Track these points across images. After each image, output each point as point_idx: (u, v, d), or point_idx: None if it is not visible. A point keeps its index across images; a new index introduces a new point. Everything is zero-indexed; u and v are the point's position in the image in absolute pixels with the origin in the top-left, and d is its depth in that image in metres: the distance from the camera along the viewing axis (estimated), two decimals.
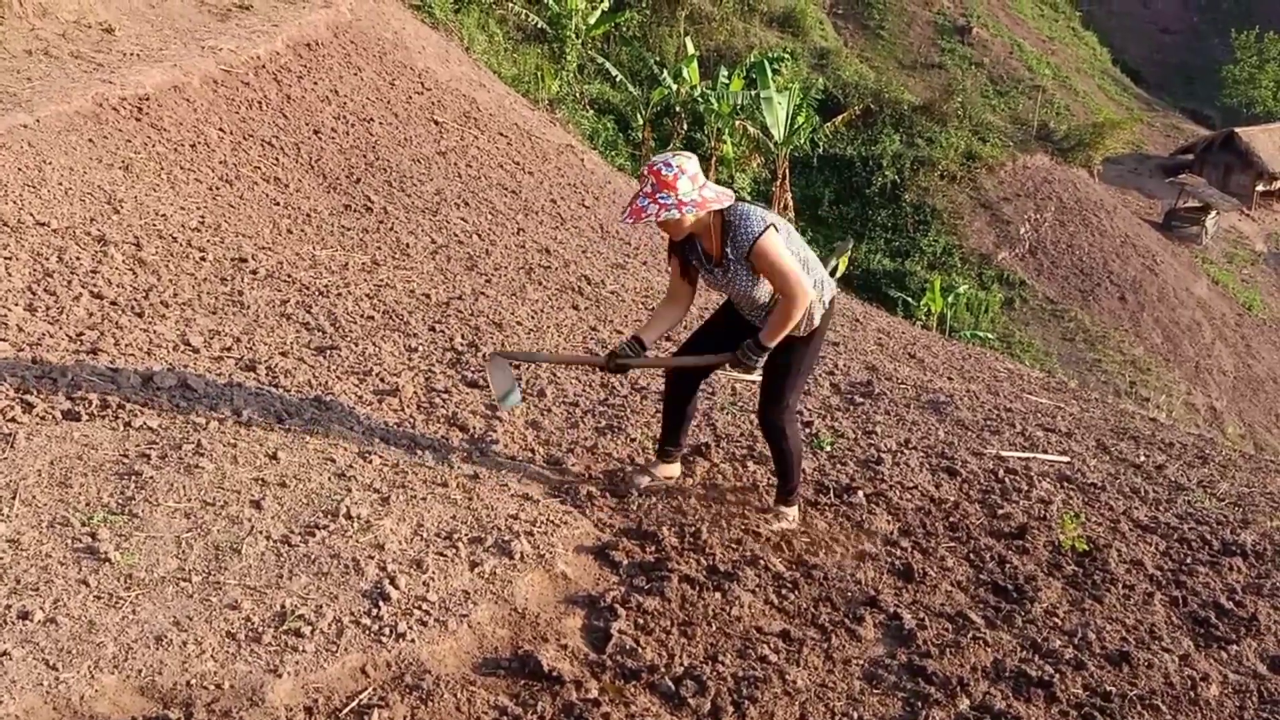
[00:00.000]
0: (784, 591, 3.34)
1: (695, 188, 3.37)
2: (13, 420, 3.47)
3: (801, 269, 3.47)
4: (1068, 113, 32.75)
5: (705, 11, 27.77)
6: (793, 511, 3.92)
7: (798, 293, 3.43)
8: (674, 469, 4.14)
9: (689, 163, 3.40)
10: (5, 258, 5.10)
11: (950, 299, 21.14)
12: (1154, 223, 30.84)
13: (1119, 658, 3.19)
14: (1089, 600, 3.60)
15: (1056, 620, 3.40)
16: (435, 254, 8.23)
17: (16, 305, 4.62)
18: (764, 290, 3.56)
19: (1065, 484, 4.89)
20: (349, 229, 8.28)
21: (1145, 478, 5.27)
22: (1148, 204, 32.62)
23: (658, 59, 22.75)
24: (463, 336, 5.89)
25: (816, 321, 3.69)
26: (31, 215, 5.78)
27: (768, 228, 3.43)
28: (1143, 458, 5.69)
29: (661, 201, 3.34)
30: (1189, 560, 4.06)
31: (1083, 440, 5.91)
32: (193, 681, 2.33)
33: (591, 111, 20.70)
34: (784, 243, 3.46)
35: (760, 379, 3.85)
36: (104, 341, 4.47)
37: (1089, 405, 7.52)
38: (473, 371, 5.23)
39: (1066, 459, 5.36)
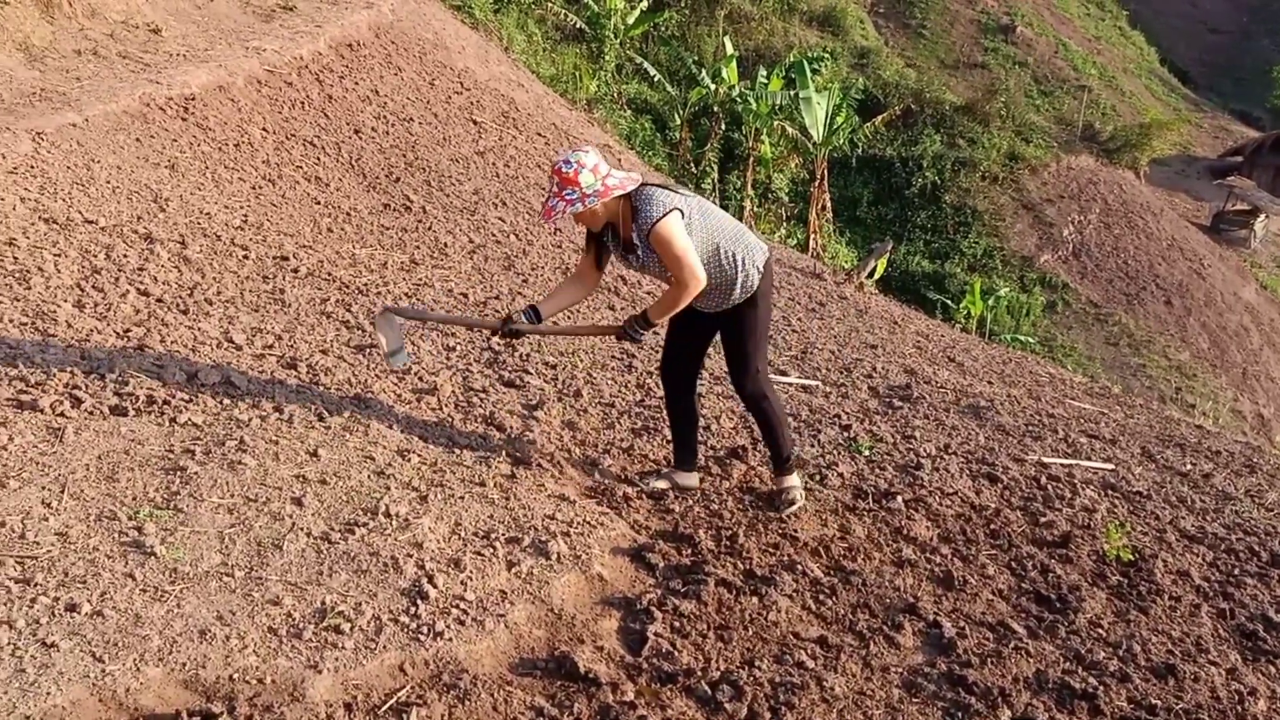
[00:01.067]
0: (821, 597, 3.32)
1: (598, 179, 3.49)
2: (62, 415, 3.53)
3: (695, 255, 3.55)
4: (1114, 113, 32.22)
5: (744, 11, 27.65)
6: (795, 479, 4.01)
7: (686, 279, 3.53)
8: (693, 479, 4.15)
9: (588, 156, 3.52)
10: (55, 255, 5.20)
11: (991, 302, 20.86)
12: (1201, 226, 30.25)
13: (1165, 670, 3.13)
14: (1134, 611, 3.54)
15: (1101, 631, 3.35)
16: (473, 253, 8.27)
17: (65, 301, 4.70)
18: (665, 271, 3.64)
19: (1110, 492, 4.81)
20: (388, 228, 8.35)
21: (1192, 486, 5.17)
22: (1195, 207, 32.02)
23: (696, 59, 22.67)
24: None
25: (755, 285, 3.76)
26: (80, 213, 5.88)
27: (669, 212, 3.51)
28: (1189, 466, 5.58)
29: (567, 198, 3.49)
30: (1237, 571, 3.98)
31: (1127, 447, 5.82)
32: (235, 676, 2.35)
33: (629, 111, 20.69)
34: (683, 226, 3.54)
35: (725, 352, 3.95)
36: (150, 338, 4.54)
37: (1133, 411, 7.40)
38: (510, 371, 5.25)
39: (1111, 466, 5.28)
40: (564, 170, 3.48)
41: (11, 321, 4.35)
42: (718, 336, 3.97)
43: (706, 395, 5.37)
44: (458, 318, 4.30)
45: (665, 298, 3.64)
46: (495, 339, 3.90)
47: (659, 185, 3.65)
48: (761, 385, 3.91)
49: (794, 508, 3.92)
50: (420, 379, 4.85)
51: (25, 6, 8.91)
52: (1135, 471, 5.28)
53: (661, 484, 4.06)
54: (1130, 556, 3.94)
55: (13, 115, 7.07)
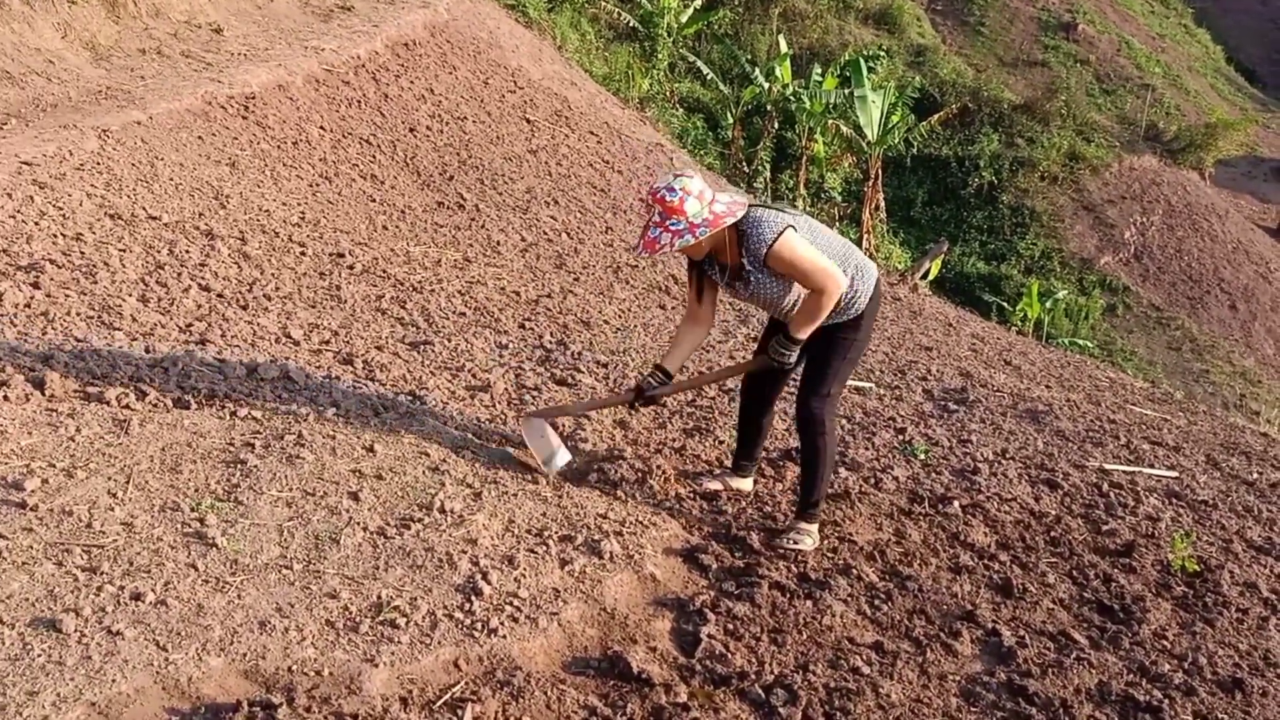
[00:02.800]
0: (877, 602, 3.27)
1: (704, 206, 3.29)
2: (127, 407, 3.60)
3: (826, 258, 3.36)
4: (1178, 113, 31.45)
5: (799, 9, 27.46)
6: (815, 530, 3.62)
7: (826, 283, 3.32)
8: (747, 484, 4.03)
9: (692, 182, 3.31)
10: (120, 250, 5.32)
11: (1048, 304, 20.50)
12: (1268, 229, 29.40)
13: (1231, 684, 3.04)
14: (1200, 623, 3.44)
15: (1165, 643, 3.26)
16: (525, 251, 8.31)
17: (130, 296, 4.80)
18: (794, 294, 3.47)
19: (1174, 500, 4.69)
20: (442, 226, 8.43)
21: (1259, 496, 5.02)
22: (1261, 209, 31.14)
23: (749, 57, 22.56)
24: (551, 334, 5.93)
25: (863, 306, 3.53)
26: (144, 209, 6.01)
27: (784, 230, 3.33)
28: (1255, 475, 5.42)
29: (673, 229, 3.28)
30: None
31: (1191, 455, 5.67)
32: (294, 667, 2.38)
33: (681, 110, 20.65)
34: (804, 238, 3.38)
35: (801, 368, 3.70)
36: (211, 333, 4.62)
37: (1197, 418, 7.21)
38: (562, 369, 5.26)
39: (1174, 474, 5.14)
40: (668, 199, 3.27)
41: (79, 315, 4.45)
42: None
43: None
44: (593, 403, 4.17)
45: (806, 309, 3.41)
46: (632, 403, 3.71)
47: (764, 205, 3.48)
48: (825, 412, 3.56)
49: (798, 548, 3.52)
50: (474, 376, 4.88)
51: (92, 6, 9.13)
52: (1200, 479, 5.14)
53: (715, 485, 3.98)
54: (1195, 567, 3.83)
55: (79, 113, 7.25)
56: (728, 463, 4.28)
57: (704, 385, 3.78)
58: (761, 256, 3.34)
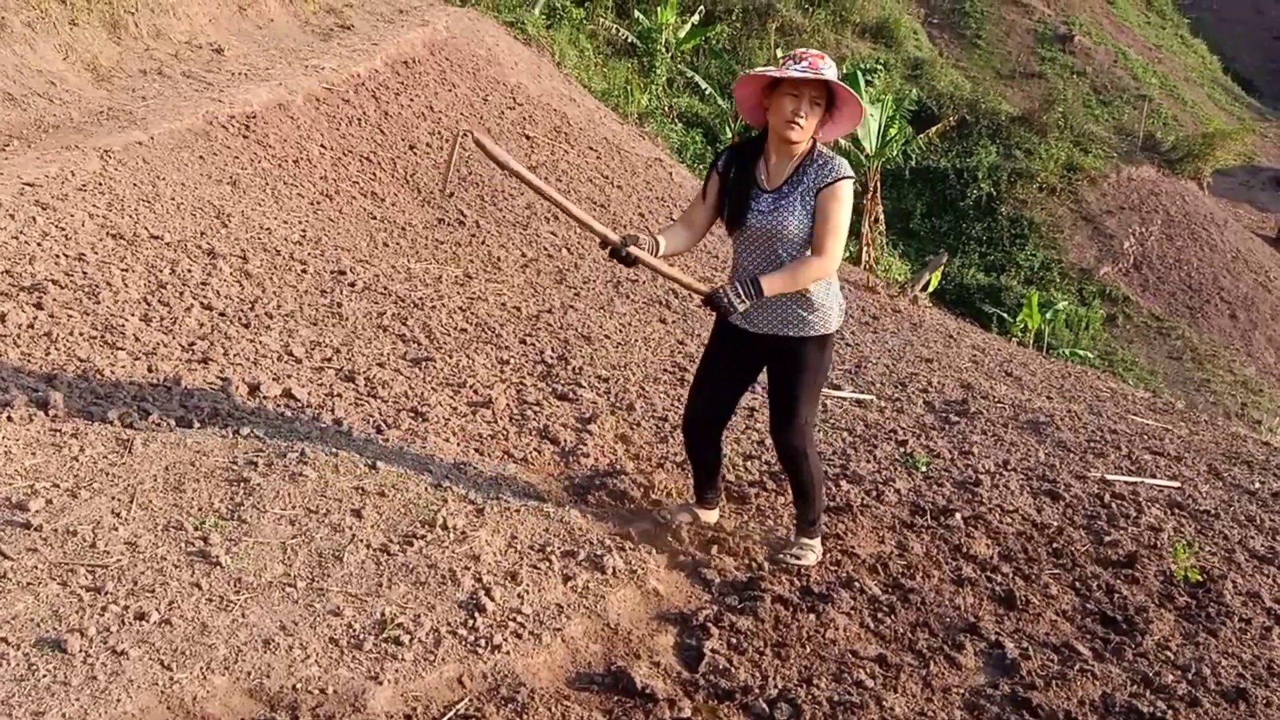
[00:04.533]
0: (880, 615, 3.27)
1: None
2: (130, 427, 3.62)
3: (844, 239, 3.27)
4: (1175, 123, 31.56)
5: (796, 23, 27.60)
6: (817, 544, 3.59)
7: (833, 251, 3.22)
8: (714, 515, 3.79)
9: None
10: (122, 270, 5.34)
11: (1049, 315, 20.50)
12: (1267, 237, 29.44)
13: (1235, 695, 3.04)
14: (1203, 634, 3.44)
15: (1169, 654, 3.26)
16: (525, 267, 8.34)
17: (133, 316, 4.82)
18: (803, 233, 3.24)
19: (1176, 510, 4.69)
20: (442, 242, 8.45)
21: (1261, 505, 5.03)
22: (1260, 218, 31.20)
23: (747, 71, 22.68)
24: (553, 349, 5.95)
25: (834, 325, 3.40)
26: (146, 229, 6.04)
27: (850, 180, 3.24)
28: (1257, 484, 5.42)
29: (825, 76, 3.11)
30: None
31: (1193, 465, 5.67)
32: (298, 685, 2.38)
33: (680, 125, 20.72)
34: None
35: (770, 392, 3.51)
36: (214, 351, 4.64)
37: (1198, 428, 7.22)
38: (563, 384, 5.27)
39: (1176, 484, 5.15)
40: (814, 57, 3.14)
41: (82, 335, 4.47)
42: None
43: (760, 409, 5.31)
44: (579, 215, 3.43)
45: (791, 268, 3.22)
46: (608, 258, 3.23)
47: None
48: (805, 441, 3.44)
49: (800, 562, 3.49)
50: (475, 392, 4.89)
51: (93, 27, 9.19)
52: (1202, 489, 5.15)
53: (686, 516, 3.73)
54: (1198, 577, 3.83)
55: (81, 134, 7.29)
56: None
57: (666, 278, 3.46)
58: (827, 180, 3.20)
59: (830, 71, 3.15)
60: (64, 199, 5.98)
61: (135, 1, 9.79)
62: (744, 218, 3.29)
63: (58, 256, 5.25)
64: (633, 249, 3.25)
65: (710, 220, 3.49)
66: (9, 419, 3.48)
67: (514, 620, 2.81)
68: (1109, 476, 5.07)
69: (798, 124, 3.16)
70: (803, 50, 3.21)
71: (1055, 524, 4.24)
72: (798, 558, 3.52)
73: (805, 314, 3.34)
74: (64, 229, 5.59)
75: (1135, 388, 11.01)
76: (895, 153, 20.17)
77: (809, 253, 3.27)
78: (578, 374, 5.52)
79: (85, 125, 7.58)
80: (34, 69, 8.24)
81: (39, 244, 5.30)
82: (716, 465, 3.76)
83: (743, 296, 3.23)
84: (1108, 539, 4.12)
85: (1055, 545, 4.01)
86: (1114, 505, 4.58)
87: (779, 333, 3.36)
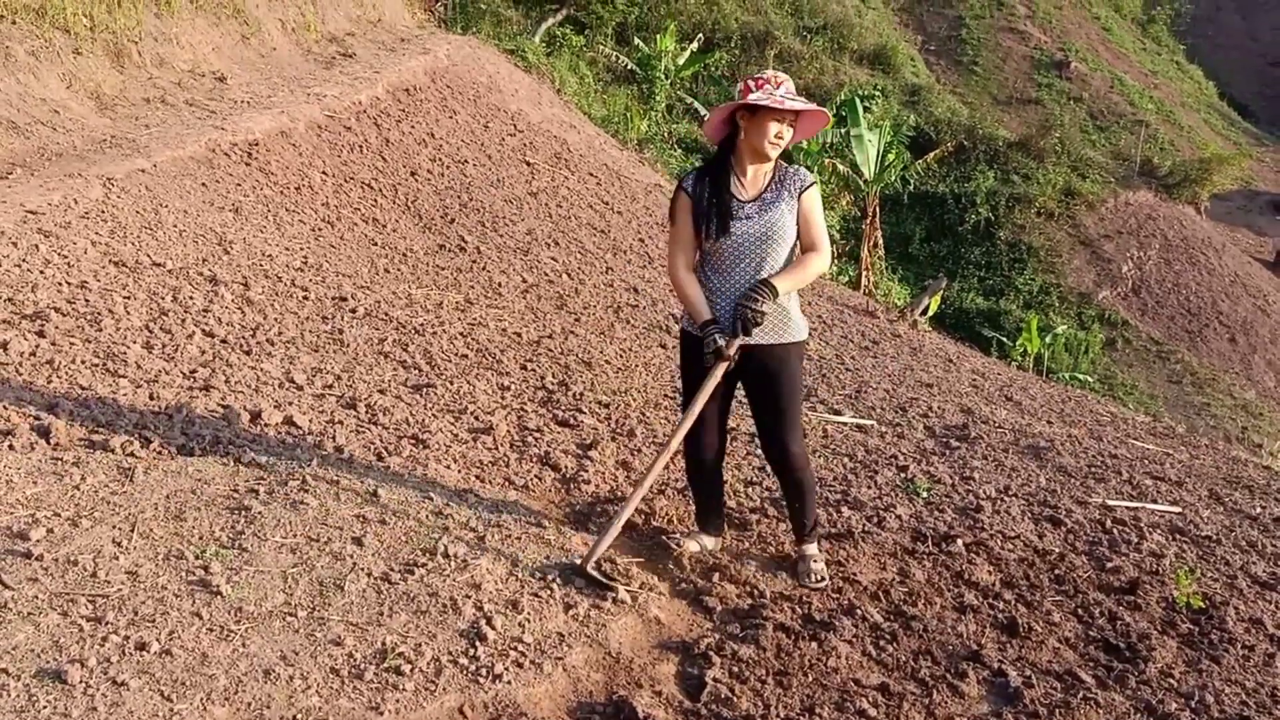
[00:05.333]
0: (882, 643, 3.26)
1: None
2: (131, 455, 3.62)
3: None
4: (1172, 148, 31.75)
5: (794, 50, 27.83)
6: (816, 548, 3.71)
7: (826, 246, 3.45)
8: (715, 543, 3.81)
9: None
10: (125, 297, 5.35)
11: (1048, 339, 20.52)
12: (1265, 261, 29.53)
13: None
14: (1206, 661, 3.43)
15: (1172, 681, 3.25)
16: (526, 293, 8.36)
17: (135, 343, 4.83)
18: (791, 232, 3.40)
19: (1177, 536, 4.68)
20: (443, 268, 8.48)
21: (1262, 530, 5.01)
22: (1258, 242, 31.31)
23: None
24: (553, 375, 5.96)
25: (806, 330, 3.58)
26: (149, 256, 6.06)
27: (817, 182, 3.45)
28: (1259, 509, 5.41)
29: (814, 105, 3.40)
30: None
31: (1194, 490, 5.67)
32: (299, 716, 2.37)
33: (679, 150, 20.83)
34: None
35: (758, 406, 3.54)
36: (215, 378, 4.65)
37: (1199, 452, 7.21)
38: (564, 410, 5.27)
39: (1178, 510, 5.14)
40: (778, 78, 3.40)
41: (84, 363, 4.48)
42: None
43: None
44: (636, 493, 3.48)
45: (799, 265, 3.42)
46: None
47: None
48: (799, 446, 3.55)
49: (825, 584, 3.59)
50: (476, 418, 4.90)
51: (97, 56, 9.26)
52: (1203, 515, 5.14)
53: (693, 545, 3.72)
54: (1201, 604, 3.82)
55: (84, 161, 7.33)
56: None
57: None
58: (802, 187, 3.42)
59: (790, 91, 3.39)
60: (67, 226, 6.01)
61: (139, 31, 9.87)
62: (729, 226, 3.39)
63: (60, 284, 5.27)
64: (729, 350, 3.36)
65: (692, 241, 3.52)
66: (10, 447, 3.49)
67: (515, 649, 2.80)
68: (1110, 502, 5.06)
69: (779, 143, 3.39)
70: (772, 73, 3.43)
71: (1057, 550, 4.23)
72: (821, 577, 3.61)
73: (788, 320, 3.48)
74: (66, 256, 5.61)
75: (1135, 412, 11.01)
76: (894, 178, 20.26)
77: (800, 253, 3.46)
78: (578, 400, 5.52)
79: (88, 153, 7.63)
80: (38, 97, 8.29)
81: (41, 271, 5.32)
82: (720, 493, 3.85)
83: (761, 300, 3.33)
84: (1110, 565, 4.11)
85: (1057, 572, 4.00)
86: (1115, 531, 4.57)
87: (771, 341, 3.44)
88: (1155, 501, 5.25)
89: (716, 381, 3.40)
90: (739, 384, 3.61)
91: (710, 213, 3.42)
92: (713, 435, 3.63)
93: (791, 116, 3.39)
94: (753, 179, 3.45)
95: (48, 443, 3.58)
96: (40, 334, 4.63)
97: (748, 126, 3.41)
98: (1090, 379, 20.15)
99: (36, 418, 3.76)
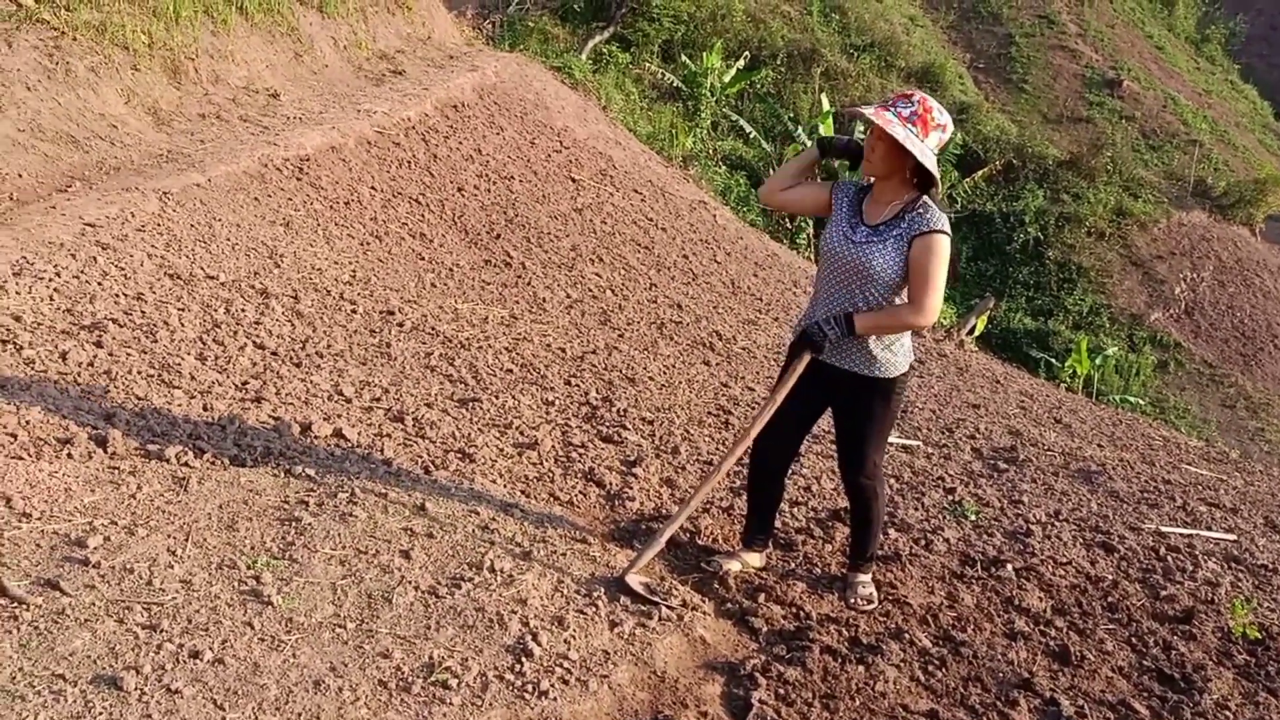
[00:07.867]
0: (931, 668, 3.21)
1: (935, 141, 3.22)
2: (185, 465, 3.68)
3: (942, 292, 3.24)
4: (1226, 168, 31.13)
5: (841, 68, 27.72)
6: (869, 578, 3.68)
7: (928, 304, 3.18)
8: (759, 559, 3.79)
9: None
10: (179, 309, 5.46)
11: (1098, 361, 20.19)
12: None
13: None
14: (1263, 693, 3.34)
15: (1228, 713, 3.17)
16: (570, 308, 8.40)
17: (189, 355, 4.92)
18: (889, 275, 3.23)
19: (1233, 564, 4.57)
20: (489, 283, 8.55)
21: None
22: None
23: (792, 115, 22.80)
24: (597, 391, 5.97)
25: (904, 367, 3.42)
26: (202, 269, 6.18)
27: (946, 233, 3.21)
28: None
29: (902, 112, 3.16)
30: None
31: (1249, 516, 5.54)
32: None
33: (724, 168, 20.84)
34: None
35: (840, 431, 3.55)
36: (266, 390, 4.72)
37: (1254, 478, 7.05)
38: (608, 426, 5.28)
39: (1233, 537, 5.02)
40: (936, 116, 3.22)
41: (140, 373, 4.57)
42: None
43: (805, 454, 5.29)
44: (692, 499, 3.55)
45: (887, 312, 3.25)
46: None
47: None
48: (878, 481, 3.54)
49: (874, 606, 3.58)
50: (521, 433, 4.92)
51: (154, 73, 9.47)
52: (1259, 543, 5.01)
53: (734, 565, 3.70)
54: (1257, 634, 3.72)
55: (141, 176, 7.50)
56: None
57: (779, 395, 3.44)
58: (921, 229, 3.20)
59: (915, 113, 3.19)
60: (124, 239, 6.14)
61: (195, 48, 10.09)
62: (838, 240, 3.34)
63: (117, 296, 5.38)
64: (822, 340, 3.31)
65: (813, 195, 3.53)
66: (70, 456, 3.56)
67: (561, 666, 2.80)
68: (1164, 529, 4.96)
69: (873, 159, 3.26)
70: (912, 90, 3.34)
71: (1110, 577, 4.15)
72: (869, 600, 3.58)
73: (884, 354, 3.36)
74: (123, 268, 5.74)
75: (1188, 436, 10.79)
76: (941, 196, 20.11)
77: (899, 300, 3.29)
78: (622, 416, 5.53)
79: (145, 167, 7.80)
80: (96, 113, 8.50)
81: (99, 283, 5.44)
82: (775, 506, 3.83)
83: (834, 327, 3.27)
84: (1164, 593, 4.02)
85: (1110, 599, 3.92)
86: (1169, 558, 4.47)
87: (859, 370, 3.37)
88: (1210, 528, 5.13)
89: (796, 376, 3.36)
90: (826, 405, 3.58)
91: (831, 220, 3.40)
92: (785, 443, 3.62)
93: (881, 133, 3.18)
94: (879, 205, 3.32)
95: (105, 452, 3.65)
96: (98, 344, 4.73)
97: None
98: (1141, 402, 19.79)
99: (94, 427, 3.83)
